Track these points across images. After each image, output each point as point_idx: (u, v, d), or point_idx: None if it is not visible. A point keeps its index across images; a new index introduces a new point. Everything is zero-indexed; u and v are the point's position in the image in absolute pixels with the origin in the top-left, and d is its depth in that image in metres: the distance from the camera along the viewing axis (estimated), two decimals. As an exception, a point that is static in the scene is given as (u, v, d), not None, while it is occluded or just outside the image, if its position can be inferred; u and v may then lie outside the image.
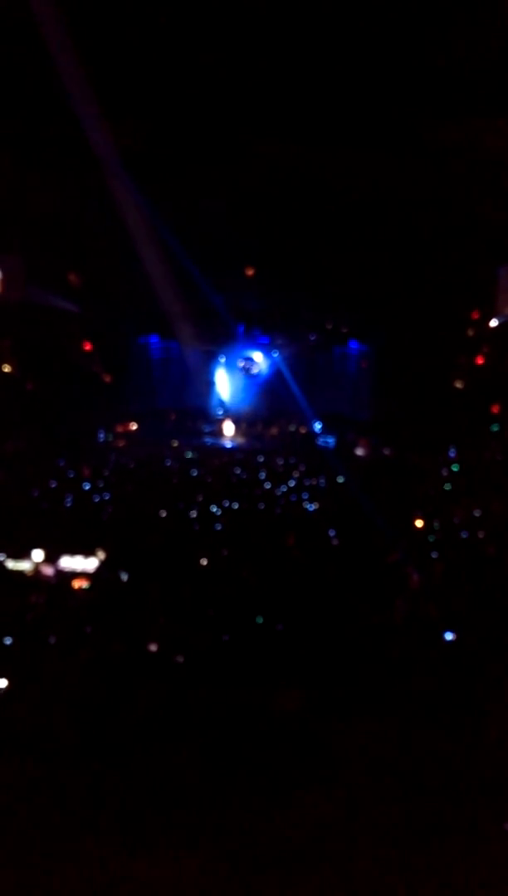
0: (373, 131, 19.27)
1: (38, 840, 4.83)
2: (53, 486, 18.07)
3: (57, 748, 5.93)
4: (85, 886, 4.46)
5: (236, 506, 16.46)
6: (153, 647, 8.48)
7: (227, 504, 16.44)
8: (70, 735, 6.15)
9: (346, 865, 4.60)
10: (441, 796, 5.29)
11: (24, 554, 11.98)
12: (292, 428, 29.05)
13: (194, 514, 15.63)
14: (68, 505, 16.36)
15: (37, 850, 4.73)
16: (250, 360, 30.35)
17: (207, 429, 29.14)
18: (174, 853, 4.70)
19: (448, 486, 19.47)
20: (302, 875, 4.56)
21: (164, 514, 15.46)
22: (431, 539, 13.92)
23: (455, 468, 22.39)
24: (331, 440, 26.98)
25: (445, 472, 21.81)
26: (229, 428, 29.06)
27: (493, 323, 26.95)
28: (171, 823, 5.00)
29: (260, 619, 9.77)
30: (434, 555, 12.59)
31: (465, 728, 6.28)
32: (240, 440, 28.53)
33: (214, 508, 15.97)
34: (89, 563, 11.84)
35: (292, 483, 19.64)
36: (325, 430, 27.64)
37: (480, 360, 27.58)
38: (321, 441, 27.07)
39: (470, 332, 27.78)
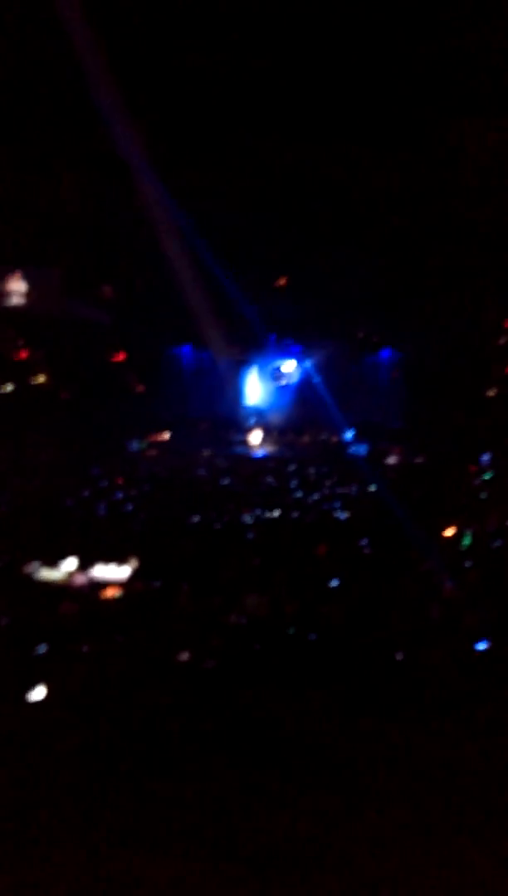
0: (404, 133, 19.22)
1: (38, 840, 4.85)
2: (86, 495, 18.20)
3: (63, 751, 5.97)
4: (85, 887, 4.48)
5: (267, 515, 16.46)
6: (184, 657, 8.49)
7: (258, 513, 16.45)
8: (80, 738, 6.19)
9: (346, 866, 4.58)
10: (453, 797, 5.24)
11: (57, 563, 12.07)
12: (323, 436, 29.01)
13: (225, 522, 15.66)
14: (101, 514, 16.47)
15: (37, 850, 4.75)
16: (281, 369, 30.40)
17: (238, 438, 29.20)
18: (174, 853, 4.70)
19: (481, 495, 19.31)
20: (302, 875, 4.54)
21: (195, 522, 15.50)
22: (464, 547, 13.82)
23: (488, 476, 22.20)
24: (363, 449, 26.89)
25: (478, 481, 21.63)
26: (260, 437, 29.10)
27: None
28: (171, 824, 5.00)
29: (292, 630, 9.74)
30: (468, 563, 12.49)
31: (496, 736, 6.21)
32: (271, 449, 28.55)
33: (245, 517, 15.98)
34: (122, 572, 11.90)
35: (324, 491, 19.60)
36: (356, 439, 27.55)
37: (513, 368, 27.36)
38: (352, 450, 26.99)
39: (503, 341, 27.58)
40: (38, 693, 7.36)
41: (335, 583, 11.30)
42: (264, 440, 29.11)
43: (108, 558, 12.06)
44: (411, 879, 4.41)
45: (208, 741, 6.11)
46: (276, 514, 16.62)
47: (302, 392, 30.21)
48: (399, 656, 8.45)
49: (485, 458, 23.68)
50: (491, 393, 27.44)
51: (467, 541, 14.19)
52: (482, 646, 8.64)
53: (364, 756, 5.82)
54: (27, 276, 26.75)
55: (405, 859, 4.55)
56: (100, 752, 5.93)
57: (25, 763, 5.73)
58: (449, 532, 14.53)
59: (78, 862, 4.64)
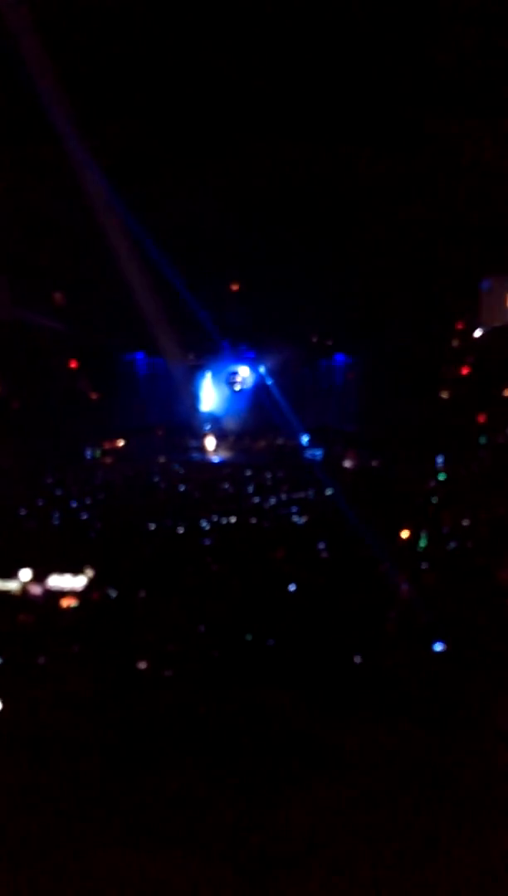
0: (360, 138, 19.30)
1: (38, 841, 4.82)
2: (41, 504, 17.98)
3: (57, 753, 5.93)
4: (85, 887, 4.45)
5: (224, 520, 16.42)
6: (143, 665, 8.43)
7: (215, 518, 16.41)
8: (70, 740, 6.14)
9: (345, 866, 4.59)
10: (436, 796, 5.29)
11: (11, 573, 11.89)
12: (279, 441, 29.04)
13: (182, 529, 15.58)
14: (56, 523, 16.28)
15: (37, 850, 4.72)
16: (236, 374, 30.39)
17: (194, 444, 29.11)
18: (175, 853, 4.69)
19: (435, 497, 19.50)
20: (302, 875, 4.55)
21: (152, 529, 15.41)
22: (420, 549, 13.93)
23: (442, 478, 22.45)
24: (319, 453, 26.98)
25: (433, 483, 21.85)
26: (216, 442, 29.04)
27: (477, 333, 27.09)
28: (171, 824, 4.99)
29: (249, 637, 9.73)
30: (424, 565, 12.59)
31: (456, 732, 6.29)
32: (227, 454, 28.50)
33: (202, 523, 15.93)
34: (78, 582, 11.77)
35: (281, 496, 19.63)
36: (312, 443, 27.64)
37: (465, 371, 27.69)
38: (308, 454, 27.06)
39: (455, 343, 27.90)
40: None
41: (292, 587, 11.31)
42: (220, 446, 29.06)
43: (63, 568, 11.92)
44: (411, 880, 4.44)
45: (167, 743, 6.10)
46: (233, 519, 16.58)
47: (257, 397, 30.22)
48: (357, 658, 8.48)
49: (439, 460, 23.93)
50: (445, 395, 27.75)
51: (422, 543, 14.32)
52: (438, 646, 8.71)
53: (330, 755, 5.85)
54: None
55: (404, 859, 4.58)
56: (59, 758, 5.88)
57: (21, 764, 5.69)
58: (405, 534, 14.64)
59: (78, 862, 4.61)
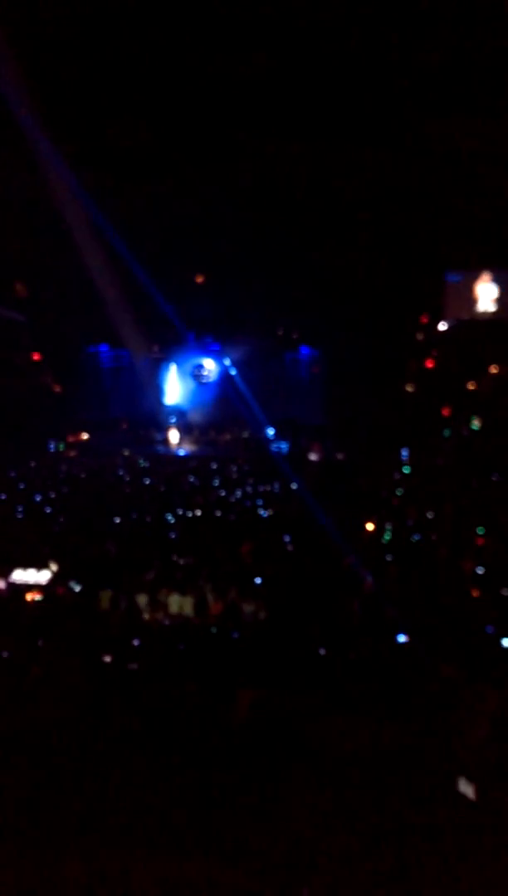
0: (322, 128, 19.30)
1: (37, 842, 4.78)
2: (3, 497, 17.81)
3: (53, 752, 5.89)
4: (85, 887, 4.43)
5: (190, 514, 16.39)
6: (107, 658, 8.37)
7: (181, 512, 16.37)
8: (62, 739, 6.11)
9: (345, 866, 4.61)
10: (421, 792, 5.33)
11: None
12: (244, 434, 29.07)
13: (147, 523, 15.53)
14: (19, 517, 16.13)
15: (36, 851, 4.68)
16: (201, 367, 30.33)
17: (159, 437, 29.03)
18: (173, 854, 4.67)
19: (400, 490, 19.65)
20: (302, 875, 4.56)
21: (117, 523, 15.33)
22: (384, 542, 14.02)
23: (406, 471, 22.61)
24: (284, 446, 27.06)
25: (397, 475, 22.00)
26: (181, 435, 28.99)
27: (442, 327, 27.31)
28: (169, 825, 4.97)
29: (214, 630, 9.73)
30: (388, 558, 12.67)
31: (423, 724, 6.34)
32: (193, 447, 28.47)
33: (168, 517, 15.88)
34: (42, 576, 11.67)
35: (246, 489, 19.63)
36: (278, 436, 27.70)
37: (430, 364, 27.93)
38: (274, 447, 27.13)
39: (420, 337, 28.12)
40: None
41: (258, 580, 11.32)
42: (185, 439, 29.01)
43: (27, 562, 11.82)
44: (410, 879, 4.45)
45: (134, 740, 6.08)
46: (198, 512, 16.56)
47: (222, 390, 30.21)
48: (322, 651, 8.51)
49: (404, 453, 24.11)
50: (409, 388, 27.96)
51: (387, 535, 14.41)
52: (402, 638, 8.77)
53: (298, 750, 5.86)
54: None
55: (403, 859, 4.59)
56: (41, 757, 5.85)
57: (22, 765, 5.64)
58: (370, 527, 14.72)
59: (77, 862, 4.57)
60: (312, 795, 5.21)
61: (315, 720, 6.30)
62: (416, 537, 14.25)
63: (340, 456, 25.95)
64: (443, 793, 5.20)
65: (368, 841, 4.75)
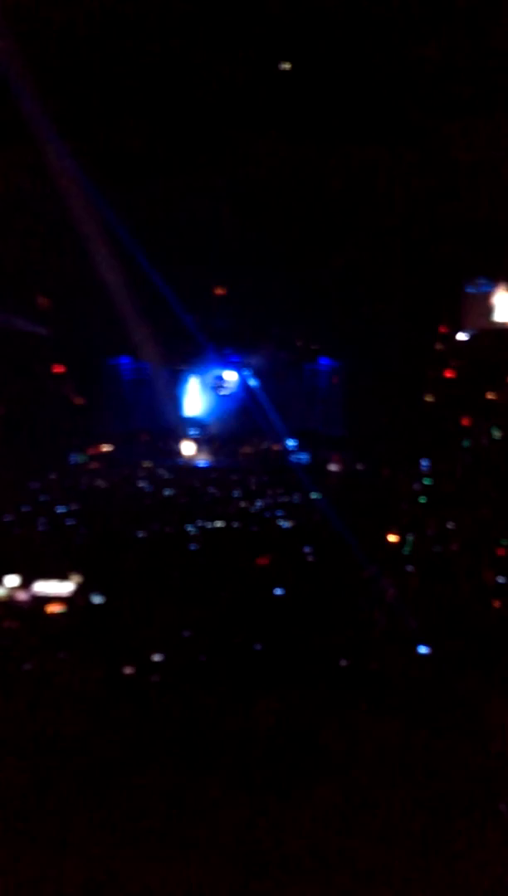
0: (349, 140, 19.33)
1: (38, 842, 4.83)
2: (26, 509, 17.92)
3: (58, 755, 5.94)
4: (85, 887, 4.47)
5: (210, 525, 16.42)
6: (129, 670, 8.43)
7: (201, 523, 16.40)
8: (62, 742, 6.15)
9: (344, 866, 4.62)
10: (432, 795, 5.34)
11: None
12: (264, 446, 29.06)
13: (169, 534, 15.57)
14: (42, 529, 16.22)
15: (38, 851, 4.73)
16: (221, 378, 30.40)
17: (180, 448, 29.08)
18: (174, 854, 4.71)
19: (421, 500, 19.57)
20: (301, 874, 4.58)
21: (139, 535, 15.39)
22: (405, 553, 13.98)
23: (427, 482, 22.52)
24: (304, 457, 27.02)
25: (418, 486, 21.92)
26: (202, 447, 29.03)
27: (461, 337, 27.23)
28: (170, 824, 5.01)
29: (237, 641, 9.74)
30: (409, 568, 12.64)
31: (445, 732, 6.34)
32: (213, 459, 28.49)
33: (189, 528, 15.93)
34: (64, 587, 11.75)
35: (267, 500, 19.64)
36: (298, 447, 27.67)
37: (449, 374, 27.81)
38: (294, 458, 27.09)
39: (439, 347, 28.02)
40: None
41: (279, 591, 11.33)
42: (206, 450, 29.05)
43: (50, 574, 11.89)
44: (410, 879, 4.47)
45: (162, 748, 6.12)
46: (219, 524, 16.58)
47: (243, 401, 30.24)
48: (343, 662, 8.51)
49: (424, 463, 24.00)
50: (429, 398, 27.85)
51: (408, 546, 14.37)
52: (423, 649, 8.76)
53: (324, 756, 5.89)
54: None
55: (403, 859, 4.60)
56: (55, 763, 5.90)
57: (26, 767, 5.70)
58: (391, 538, 14.69)
59: (78, 862, 4.62)
60: (327, 799, 5.23)
61: (337, 729, 6.32)
62: (437, 548, 14.20)
63: (360, 467, 25.88)
64: (462, 801, 5.21)
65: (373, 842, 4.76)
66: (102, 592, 11.49)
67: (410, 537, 14.76)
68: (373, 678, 8.23)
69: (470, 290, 25.93)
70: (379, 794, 5.33)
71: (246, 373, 30.18)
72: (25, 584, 11.77)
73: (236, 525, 16.58)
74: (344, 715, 6.93)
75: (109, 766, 5.83)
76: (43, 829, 4.97)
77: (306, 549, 13.81)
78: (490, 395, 26.30)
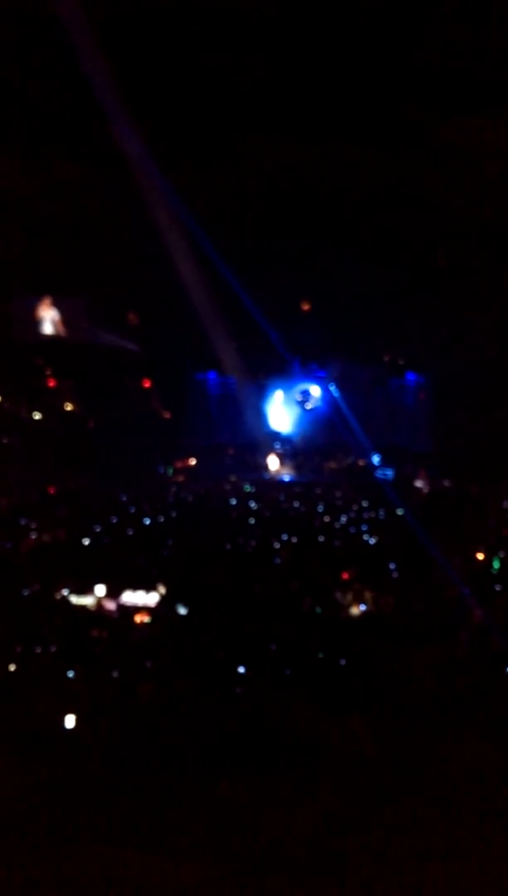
0: (433, 151, 19.22)
1: (39, 842, 4.92)
2: (115, 521, 18.30)
3: (62, 755, 6.05)
4: (85, 887, 4.53)
5: (295, 539, 16.44)
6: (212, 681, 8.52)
7: (286, 537, 16.44)
8: (81, 741, 6.27)
9: (344, 866, 4.59)
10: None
11: (87, 589, 12.16)
12: (349, 460, 28.97)
13: (253, 547, 15.67)
14: (129, 540, 16.54)
15: (39, 851, 4.82)
16: (306, 393, 30.49)
17: (264, 462, 29.24)
18: (175, 854, 4.74)
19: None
20: (301, 874, 4.56)
21: (224, 547, 15.52)
22: (493, 571, 13.72)
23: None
24: (390, 472, 26.82)
25: (506, 503, 21.47)
26: (286, 461, 29.13)
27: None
28: (171, 824, 5.05)
29: (321, 654, 9.73)
30: (497, 587, 12.40)
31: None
32: (298, 473, 28.55)
33: (273, 542, 15.98)
34: (150, 598, 11.95)
35: (351, 515, 19.55)
36: (383, 463, 27.50)
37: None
38: (379, 473, 26.93)
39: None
40: (69, 721, 7.45)
41: (363, 607, 11.29)
42: (290, 465, 29.13)
43: (137, 584, 12.12)
44: (409, 879, 4.43)
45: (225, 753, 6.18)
46: (304, 538, 16.59)
47: (328, 416, 30.25)
48: (430, 682, 8.42)
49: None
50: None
51: (496, 564, 14.10)
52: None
53: (403, 775, 5.85)
54: (55, 305, 27.27)
55: (403, 859, 4.56)
56: (116, 764, 6.01)
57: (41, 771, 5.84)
58: (479, 556, 14.45)
59: (78, 862, 4.71)
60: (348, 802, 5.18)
61: (427, 750, 6.26)
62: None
63: (447, 483, 25.52)
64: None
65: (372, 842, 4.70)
66: (186, 604, 11.64)
67: (498, 555, 14.48)
68: (460, 699, 8.09)
69: None
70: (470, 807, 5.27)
71: (331, 387, 30.19)
72: (113, 594, 12.02)
73: (320, 539, 16.55)
74: (431, 735, 6.86)
75: (119, 767, 5.90)
76: (43, 829, 5.05)
77: (391, 566, 13.69)
78: None
